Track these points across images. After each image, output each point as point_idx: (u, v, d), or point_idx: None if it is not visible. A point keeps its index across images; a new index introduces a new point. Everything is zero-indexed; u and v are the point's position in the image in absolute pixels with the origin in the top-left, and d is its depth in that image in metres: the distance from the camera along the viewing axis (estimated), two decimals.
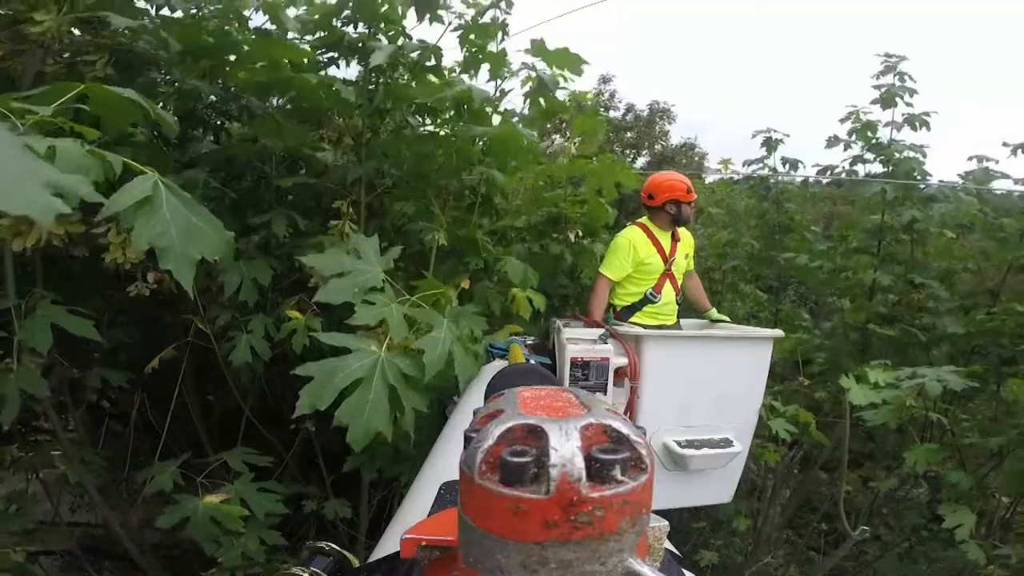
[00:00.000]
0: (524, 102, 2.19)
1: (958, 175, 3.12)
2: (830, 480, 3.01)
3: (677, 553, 0.48)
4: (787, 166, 3.75)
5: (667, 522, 0.34)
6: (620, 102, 11.61)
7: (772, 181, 3.84)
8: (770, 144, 3.74)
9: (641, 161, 9.98)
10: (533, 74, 2.08)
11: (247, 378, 1.98)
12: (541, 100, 2.12)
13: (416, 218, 2.08)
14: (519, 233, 2.54)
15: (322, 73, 1.92)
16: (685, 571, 0.44)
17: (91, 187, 0.75)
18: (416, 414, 1.26)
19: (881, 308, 3.17)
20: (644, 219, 2.42)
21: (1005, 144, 2.89)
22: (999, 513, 2.19)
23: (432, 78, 1.94)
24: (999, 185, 3.02)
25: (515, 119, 2.22)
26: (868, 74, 3.22)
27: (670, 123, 11.71)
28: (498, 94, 2.13)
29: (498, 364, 1.54)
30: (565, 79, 2.09)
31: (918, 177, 3.11)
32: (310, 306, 1.75)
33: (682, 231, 2.44)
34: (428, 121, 2.15)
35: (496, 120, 2.10)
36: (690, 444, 1.79)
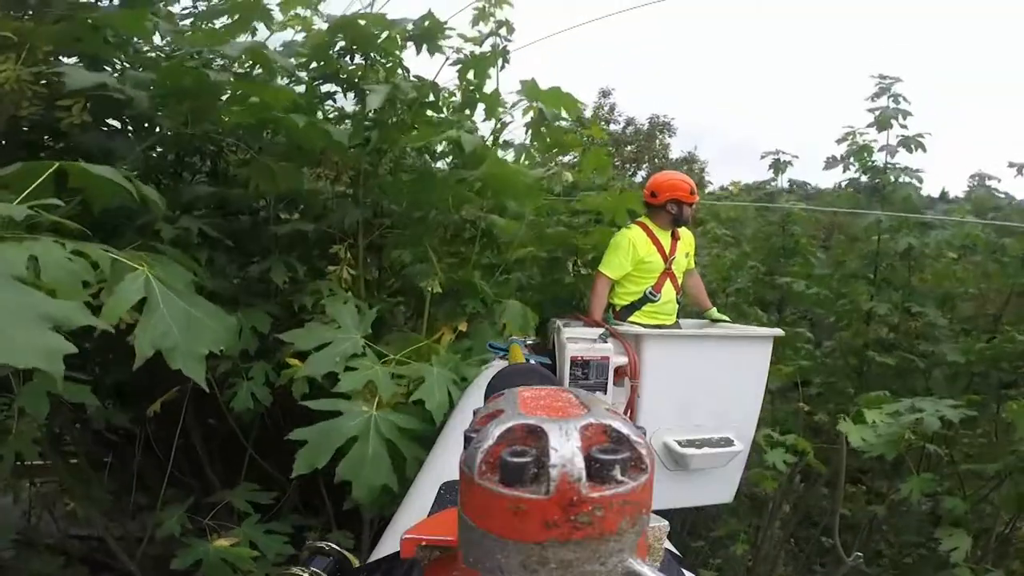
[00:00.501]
0: (526, 133, 2.22)
1: (960, 192, 3.17)
2: (830, 494, 3.01)
3: (677, 553, 0.48)
4: (793, 188, 3.80)
5: (667, 522, 0.34)
6: (620, 115, 11.67)
7: (779, 203, 3.87)
8: (778, 166, 3.78)
9: (641, 175, 10.04)
10: (534, 104, 2.09)
11: (249, 417, 1.99)
12: (543, 130, 2.15)
13: (413, 263, 2.14)
14: (521, 265, 2.55)
15: (318, 107, 1.94)
16: (685, 571, 0.44)
17: (86, 312, 0.73)
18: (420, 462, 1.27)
19: (878, 334, 3.21)
20: (644, 218, 2.41)
21: (1011, 164, 2.90)
22: (997, 529, 2.22)
23: (431, 113, 1.99)
24: (1000, 203, 3.07)
25: (510, 152, 2.33)
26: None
27: (670, 136, 11.78)
28: (499, 126, 2.18)
29: (498, 364, 1.54)
30: (577, 113, 2.17)
31: (914, 201, 3.15)
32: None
33: (682, 230, 2.44)
34: (427, 157, 2.22)
35: (501, 153, 2.15)
36: (690, 443, 1.79)
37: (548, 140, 2.22)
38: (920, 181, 3.15)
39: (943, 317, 3.15)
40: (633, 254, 2.29)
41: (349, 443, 1.25)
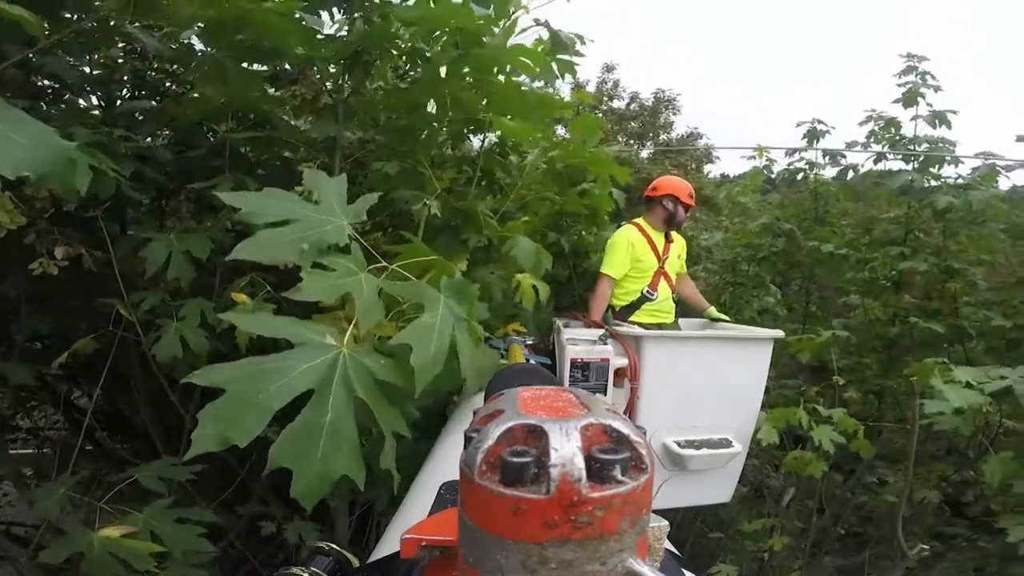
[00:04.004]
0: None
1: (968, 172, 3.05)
2: (846, 483, 2.94)
3: (677, 553, 0.49)
4: (827, 158, 3.69)
5: (667, 522, 0.34)
6: (624, 91, 11.55)
7: (810, 174, 3.75)
8: (814, 134, 3.66)
9: (646, 152, 9.96)
10: (545, 34, 1.81)
11: (183, 374, 1.77)
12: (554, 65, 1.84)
13: (402, 183, 1.69)
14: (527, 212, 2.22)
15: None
16: (685, 571, 0.44)
17: None
18: (399, 441, 0.80)
19: (910, 299, 3.06)
20: (639, 219, 2.49)
21: (1020, 138, 2.84)
22: None
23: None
24: (1015, 175, 2.98)
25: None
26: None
27: (675, 113, 11.68)
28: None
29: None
30: (582, 41, 1.85)
31: (947, 162, 3.04)
32: (267, 288, 1.36)
33: (675, 235, 2.51)
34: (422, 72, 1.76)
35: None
36: (690, 444, 1.80)
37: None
38: (953, 147, 3.09)
39: (982, 281, 2.98)
40: (631, 251, 2.35)
41: (299, 401, 0.68)
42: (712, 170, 9.79)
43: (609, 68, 11.50)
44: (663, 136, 11.38)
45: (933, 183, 3.03)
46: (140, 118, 1.66)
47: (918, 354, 2.73)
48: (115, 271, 1.41)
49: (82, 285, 1.50)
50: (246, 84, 1.44)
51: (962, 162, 3.07)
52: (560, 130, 3.29)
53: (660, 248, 2.42)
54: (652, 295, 2.39)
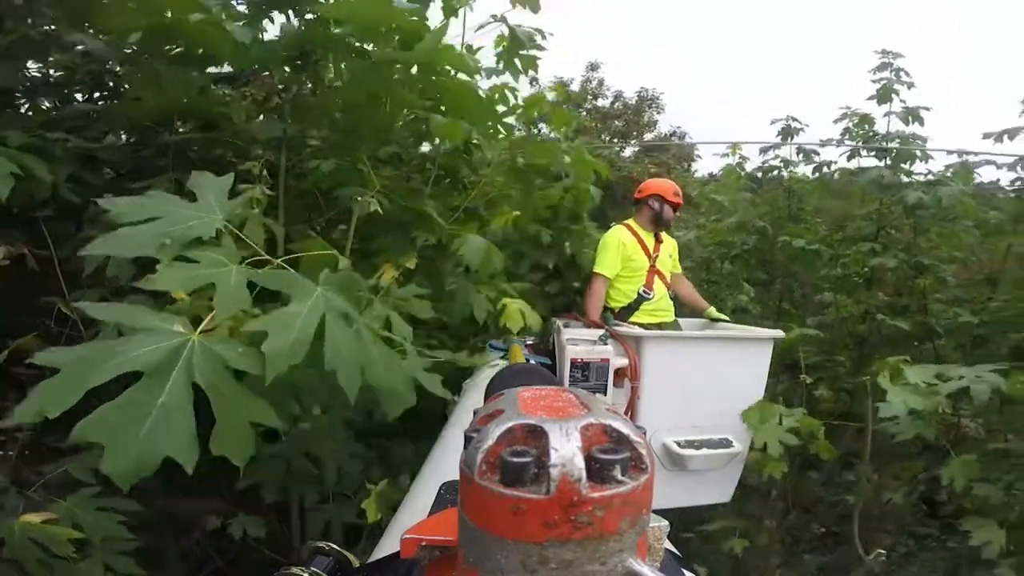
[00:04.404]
0: (497, 63, 1.95)
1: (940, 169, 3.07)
2: (825, 481, 2.94)
3: (677, 553, 0.49)
4: (801, 155, 3.72)
5: (667, 522, 0.34)
6: (608, 90, 11.59)
7: (784, 172, 3.78)
8: (788, 132, 3.70)
9: (629, 150, 9.97)
10: (504, 29, 1.81)
11: None
12: (516, 61, 1.89)
13: (344, 181, 1.68)
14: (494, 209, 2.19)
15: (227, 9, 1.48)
16: (685, 571, 0.44)
17: None
18: (260, 431, 0.80)
19: (881, 298, 3.08)
20: (629, 220, 2.54)
21: (986, 135, 2.82)
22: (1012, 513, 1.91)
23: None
24: (982, 171, 2.97)
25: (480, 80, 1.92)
26: (867, 59, 3.22)
27: (659, 112, 11.72)
28: (464, 50, 1.82)
29: (498, 364, 1.54)
30: (543, 35, 1.87)
31: (919, 158, 3.08)
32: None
33: (665, 235, 2.56)
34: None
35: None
36: (690, 444, 1.80)
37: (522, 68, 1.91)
38: (924, 142, 3.14)
39: (951, 277, 3.00)
40: (622, 251, 2.39)
41: (130, 380, 0.71)
42: (699, 170, 9.81)
43: (593, 67, 11.54)
44: (647, 135, 11.40)
45: (904, 179, 3.06)
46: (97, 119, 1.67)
47: (887, 352, 2.71)
48: (57, 270, 1.44)
49: (26, 284, 1.51)
50: (182, 89, 1.45)
51: (932, 158, 3.12)
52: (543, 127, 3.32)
53: (650, 247, 2.47)
54: (649, 294, 2.42)
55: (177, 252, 0.84)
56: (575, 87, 10.83)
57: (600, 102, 11.47)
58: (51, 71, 1.72)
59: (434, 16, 1.59)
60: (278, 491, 1.51)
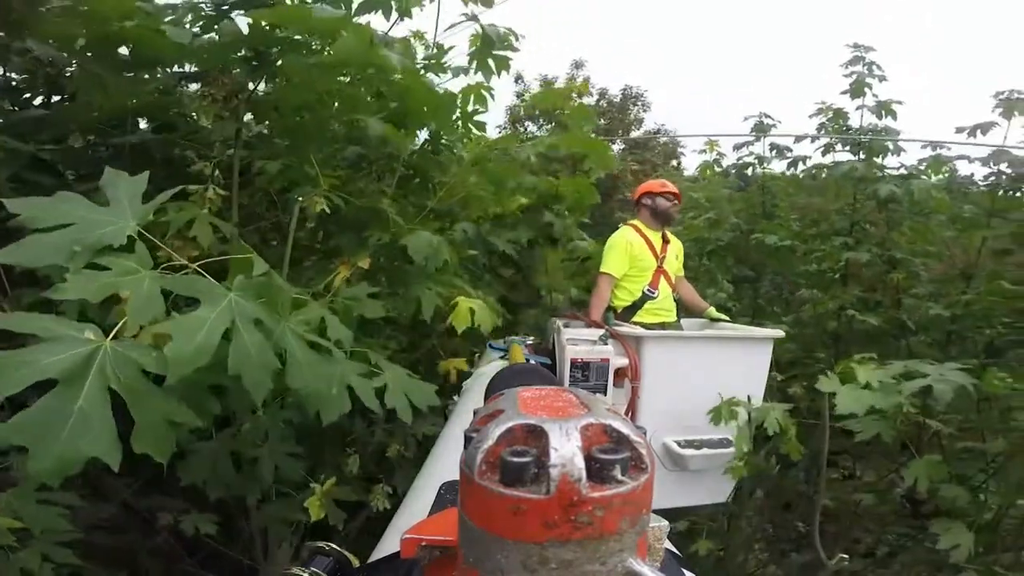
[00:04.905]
0: (470, 63, 1.93)
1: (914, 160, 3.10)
2: (807, 479, 2.92)
3: (677, 553, 0.49)
4: (774, 152, 3.73)
5: (667, 522, 0.34)
6: (593, 88, 11.58)
7: (759, 168, 3.79)
8: (761, 128, 3.69)
9: (615, 148, 9.96)
10: (476, 28, 1.79)
11: None
12: (490, 61, 1.89)
13: (296, 181, 1.68)
14: (467, 210, 2.21)
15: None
16: (685, 571, 0.44)
17: None
18: (192, 431, 0.84)
19: (856, 292, 3.07)
20: (635, 220, 2.57)
21: (959, 129, 2.80)
22: (983, 515, 1.86)
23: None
24: (957, 165, 3.00)
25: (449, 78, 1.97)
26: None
27: (644, 110, 11.70)
28: (433, 50, 1.86)
29: (498, 364, 1.54)
30: (516, 37, 1.86)
31: (891, 151, 3.10)
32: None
33: (671, 236, 2.59)
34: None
35: (439, 80, 1.81)
36: (690, 444, 1.80)
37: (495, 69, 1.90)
38: (895, 143, 3.15)
39: (924, 271, 2.99)
40: (630, 250, 2.40)
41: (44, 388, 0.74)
42: (688, 168, 9.83)
43: (578, 64, 11.50)
44: (633, 132, 11.40)
45: (878, 173, 3.07)
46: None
47: (861, 349, 2.66)
48: None
49: None
50: (130, 91, 1.46)
51: (905, 151, 3.12)
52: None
53: (658, 247, 2.48)
54: (653, 293, 2.42)
55: (88, 259, 0.86)
56: (560, 85, 10.85)
57: (586, 100, 11.48)
58: (11, 75, 1.71)
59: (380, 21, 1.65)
60: (222, 489, 1.53)
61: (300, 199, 1.51)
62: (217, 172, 1.52)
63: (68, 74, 1.69)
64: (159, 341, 0.83)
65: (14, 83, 1.71)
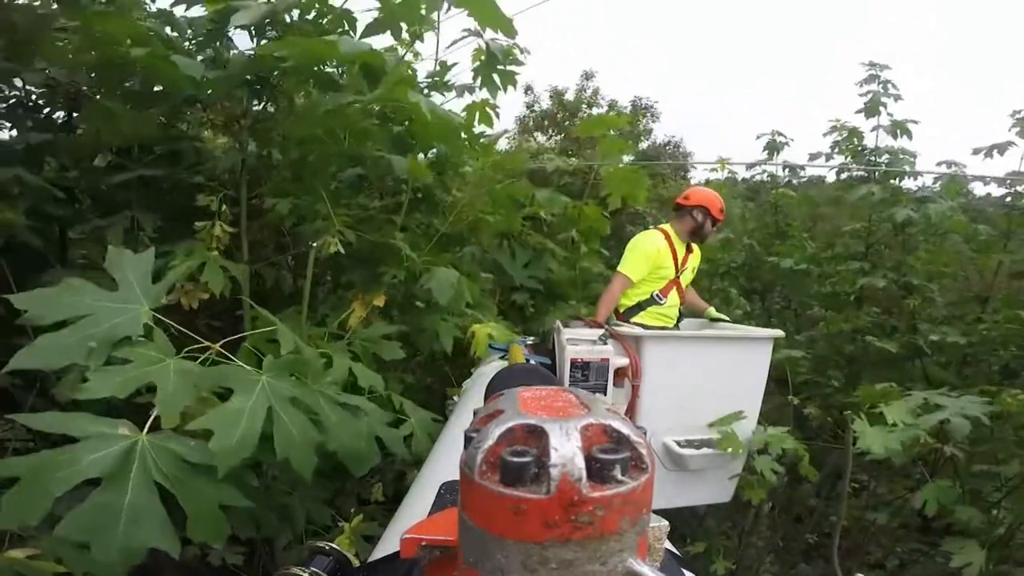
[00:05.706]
0: (474, 79, 1.89)
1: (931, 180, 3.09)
2: (823, 497, 2.91)
3: (677, 553, 0.49)
4: (787, 171, 3.72)
5: (667, 522, 0.34)
6: (603, 99, 11.57)
7: (771, 186, 3.80)
8: (773, 147, 3.68)
9: (625, 160, 10.00)
10: (480, 43, 1.74)
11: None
12: (496, 77, 1.84)
13: (306, 216, 1.65)
14: (476, 235, 2.20)
15: (177, 40, 1.51)
16: (685, 571, 0.44)
17: None
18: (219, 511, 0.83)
19: (871, 317, 3.05)
20: (667, 225, 2.47)
21: (976, 151, 2.83)
22: (995, 531, 1.89)
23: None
24: (972, 186, 3.00)
25: (452, 97, 1.97)
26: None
27: (654, 121, 11.68)
28: (437, 67, 1.83)
29: (498, 364, 1.53)
30: (522, 51, 1.83)
31: (908, 174, 3.08)
32: None
33: (694, 246, 2.49)
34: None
35: (442, 99, 1.83)
36: (690, 444, 1.79)
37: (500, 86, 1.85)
38: (912, 165, 3.13)
39: (939, 297, 2.98)
40: (655, 258, 2.33)
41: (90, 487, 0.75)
42: (698, 179, 9.86)
43: (588, 75, 11.46)
44: (643, 143, 11.40)
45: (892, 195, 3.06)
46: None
47: (876, 371, 2.69)
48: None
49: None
50: (138, 124, 1.44)
51: (921, 175, 3.11)
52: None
53: (680, 259, 2.41)
54: (661, 300, 2.38)
55: (106, 355, 0.85)
56: (569, 96, 10.83)
57: (596, 111, 11.46)
58: (31, 88, 1.66)
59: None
60: (252, 530, 1.49)
61: (313, 244, 1.49)
62: (224, 207, 1.49)
63: (85, 88, 1.65)
64: (191, 427, 0.83)
65: (34, 96, 1.67)
